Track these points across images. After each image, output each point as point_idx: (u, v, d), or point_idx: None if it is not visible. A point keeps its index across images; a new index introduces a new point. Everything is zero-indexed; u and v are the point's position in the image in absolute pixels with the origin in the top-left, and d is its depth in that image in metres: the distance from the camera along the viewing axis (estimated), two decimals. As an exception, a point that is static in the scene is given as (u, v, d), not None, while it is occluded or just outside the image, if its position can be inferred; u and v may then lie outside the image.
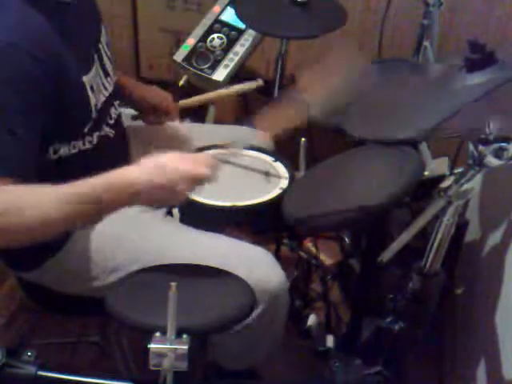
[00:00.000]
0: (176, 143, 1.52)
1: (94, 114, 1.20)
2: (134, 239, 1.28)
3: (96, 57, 1.24)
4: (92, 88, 1.18)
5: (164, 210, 1.40)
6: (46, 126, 1.07)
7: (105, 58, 1.28)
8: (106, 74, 1.27)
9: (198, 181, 1.11)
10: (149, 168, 1.08)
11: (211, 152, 1.40)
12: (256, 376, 1.46)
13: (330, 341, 1.54)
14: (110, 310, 1.09)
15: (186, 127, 1.62)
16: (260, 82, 1.60)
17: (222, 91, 1.69)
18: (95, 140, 1.22)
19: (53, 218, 0.99)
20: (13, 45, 1.01)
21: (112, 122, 1.30)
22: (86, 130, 1.19)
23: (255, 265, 1.25)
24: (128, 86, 1.48)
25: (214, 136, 1.55)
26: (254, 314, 1.19)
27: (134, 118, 1.53)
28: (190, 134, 1.56)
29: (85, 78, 1.16)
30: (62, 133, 1.14)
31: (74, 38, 1.15)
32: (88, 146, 1.21)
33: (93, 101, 1.19)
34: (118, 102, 1.35)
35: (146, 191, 1.06)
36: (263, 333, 1.26)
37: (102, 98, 1.24)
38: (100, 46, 1.27)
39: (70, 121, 1.14)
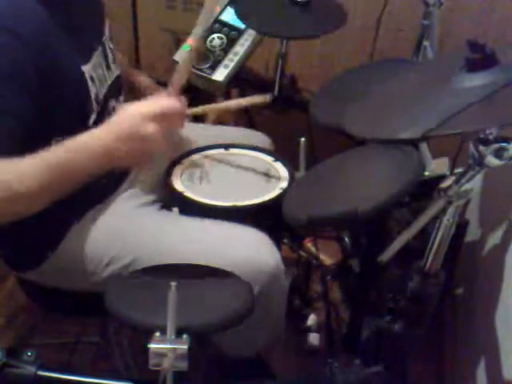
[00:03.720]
0: (176, 143, 1.52)
1: (95, 106, 1.20)
2: (126, 229, 1.28)
3: (100, 49, 1.25)
4: (92, 78, 1.19)
5: (158, 205, 1.40)
6: (44, 114, 1.06)
7: (108, 51, 1.29)
8: (108, 67, 1.28)
9: (166, 115, 1.07)
10: (107, 125, 1.07)
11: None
12: (264, 365, 1.46)
13: (311, 319, 1.55)
14: (110, 309, 1.09)
15: (185, 127, 1.62)
16: (268, 98, 1.52)
17: (231, 103, 1.61)
18: None
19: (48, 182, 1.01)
20: None
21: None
22: (90, 123, 1.19)
23: (250, 245, 1.25)
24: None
25: (214, 136, 1.55)
26: None
27: None
28: (189, 134, 1.56)
29: (84, 68, 1.17)
30: (63, 124, 1.13)
31: (76, 27, 1.15)
32: None
33: (93, 91, 1.19)
34: (122, 97, 1.35)
35: (115, 147, 1.05)
36: (262, 317, 1.25)
37: (103, 91, 1.25)
38: (104, 39, 1.28)
39: (71, 111, 1.14)
